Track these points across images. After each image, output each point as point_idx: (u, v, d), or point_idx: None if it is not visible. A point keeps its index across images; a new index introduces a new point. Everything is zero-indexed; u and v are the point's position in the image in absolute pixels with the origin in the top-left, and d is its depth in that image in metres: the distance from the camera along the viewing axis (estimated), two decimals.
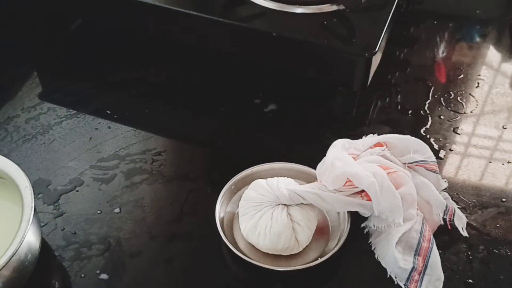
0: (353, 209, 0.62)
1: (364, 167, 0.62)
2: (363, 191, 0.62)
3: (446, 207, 0.65)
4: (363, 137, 0.71)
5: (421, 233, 0.62)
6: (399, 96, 0.83)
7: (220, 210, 0.64)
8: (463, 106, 0.82)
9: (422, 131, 0.77)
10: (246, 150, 0.75)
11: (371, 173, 0.61)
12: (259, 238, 0.61)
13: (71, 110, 0.79)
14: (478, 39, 0.95)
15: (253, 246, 0.62)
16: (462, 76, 0.87)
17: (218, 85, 0.85)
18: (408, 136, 0.70)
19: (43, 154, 0.73)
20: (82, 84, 0.84)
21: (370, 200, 0.61)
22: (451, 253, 0.63)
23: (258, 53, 0.77)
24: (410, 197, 0.63)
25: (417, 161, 0.67)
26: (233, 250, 0.60)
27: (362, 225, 0.64)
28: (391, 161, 0.66)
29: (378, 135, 0.70)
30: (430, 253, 0.61)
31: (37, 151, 0.74)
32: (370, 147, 0.68)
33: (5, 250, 0.52)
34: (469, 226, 0.66)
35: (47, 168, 0.71)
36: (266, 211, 0.61)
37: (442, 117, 0.80)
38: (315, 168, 0.65)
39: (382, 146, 0.68)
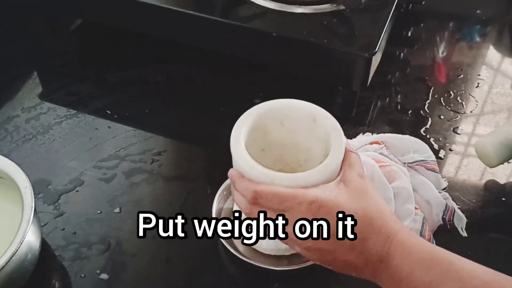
0: None
1: None
2: None
3: (446, 207, 0.65)
4: (359, 135, 0.70)
5: (421, 233, 0.62)
6: (399, 96, 0.83)
7: (217, 210, 0.63)
8: (463, 106, 0.82)
9: (422, 131, 0.77)
10: None
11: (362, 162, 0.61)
12: (262, 240, 0.60)
13: (71, 110, 0.79)
14: (478, 39, 0.95)
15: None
16: (462, 76, 0.87)
17: (218, 85, 0.85)
18: (407, 136, 0.70)
19: (43, 154, 0.73)
20: (82, 84, 0.84)
21: None
22: None
23: (258, 53, 0.77)
24: (405, 191, 0.62)
25: (417, 161, 0.67)
26: (234, 252, 0.59)
27: None
28: (389, 159, 0.66)
29: (377, 134, 0.70)
30: None
31: (37, 151, 0.74)
32: (367, 145, 0.68)
33: (5, 250, 0.52)
34: (469, 226, 0.66)
35: (47, 168, 0.71)
36: None
37: (442, 117, 0.80)
38: None
39: (379, 144, 0.67)
